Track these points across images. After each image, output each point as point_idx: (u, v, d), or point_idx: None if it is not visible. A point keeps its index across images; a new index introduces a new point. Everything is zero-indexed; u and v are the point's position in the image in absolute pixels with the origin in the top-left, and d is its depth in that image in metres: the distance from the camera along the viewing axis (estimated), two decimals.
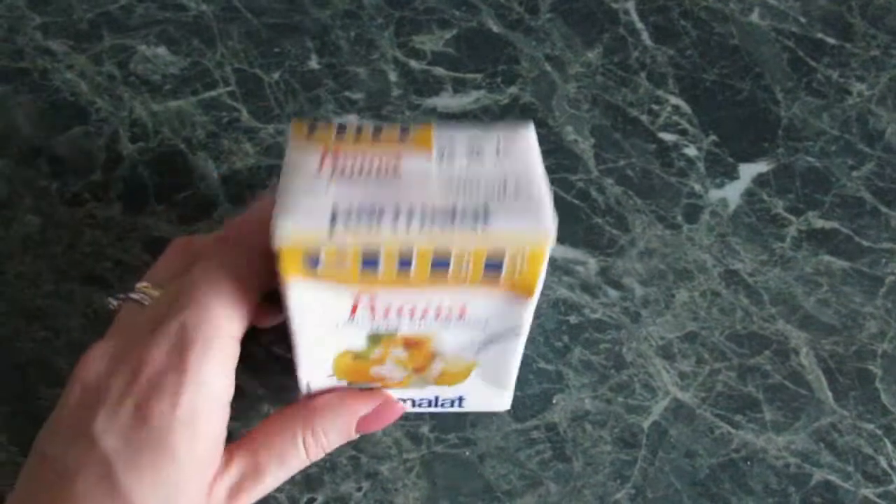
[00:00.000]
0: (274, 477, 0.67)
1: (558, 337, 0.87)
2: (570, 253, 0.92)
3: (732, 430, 0.84)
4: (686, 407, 0.85)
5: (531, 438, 0.83)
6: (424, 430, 0.83)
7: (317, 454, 0.69)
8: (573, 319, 0.88)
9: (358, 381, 0.69)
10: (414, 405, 0.73)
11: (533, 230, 0.52)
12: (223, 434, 0.65)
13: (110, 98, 0.97)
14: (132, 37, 1.00)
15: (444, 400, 0.72)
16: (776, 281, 0.92)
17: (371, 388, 0.71)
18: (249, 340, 0.83)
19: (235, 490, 0.65)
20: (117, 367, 0.62)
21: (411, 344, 0.64)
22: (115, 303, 0.72)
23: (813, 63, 1.05)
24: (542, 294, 0.89)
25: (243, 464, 0.66)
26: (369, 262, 0.51)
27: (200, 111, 0.96)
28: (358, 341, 0.61)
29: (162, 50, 1.00)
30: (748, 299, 0.91)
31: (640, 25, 1.06)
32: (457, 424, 0.83)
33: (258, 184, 0.93)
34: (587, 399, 0.85)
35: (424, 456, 0.81)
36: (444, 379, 0.70)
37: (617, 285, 0.90)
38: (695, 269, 0.92)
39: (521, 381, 0.84)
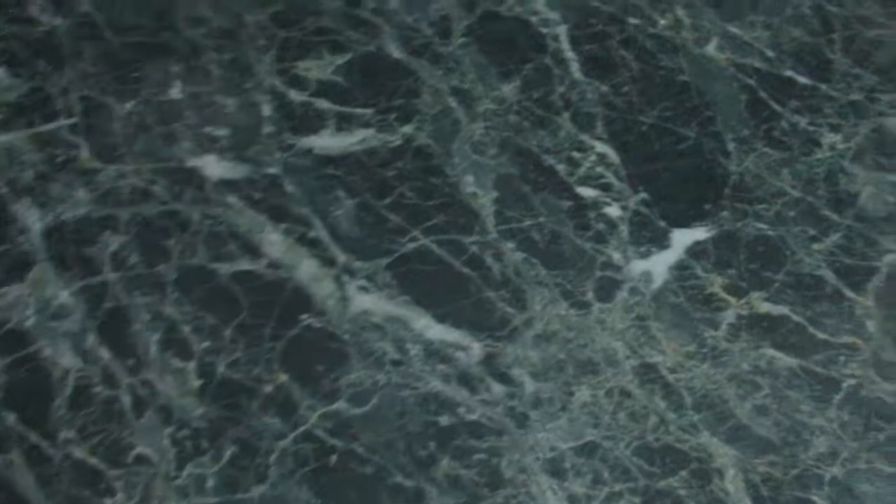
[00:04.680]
0: None
1: (423, 443, 0.71)
2: (450, 334, 0.76)
3: None
4: None
5: None
6: None
7: None
8: (444, 421, 0.72)
9: None
10: None
11: None
12: None
13: None
14: None
15: None
16: (703, 380, 0.74)
17: None
18: (45, 440, 0.69)
19: None
20: None
21: None
22: None
23: (777, 107, 0.87)
24: (408, 388, 0.74)
25: None
26: None
27: (33, 147, 0.82)
28: None
29: (1, 72, 0.86)
30: (666, 402, 0.73)
31: (570, 55, 0.89)
32: None
33: (87, 240, 0.78)
34: None
35: None
36: None
37: (503, 378, 0.74)
38: (602, 361, 0.75)
39: (371, 501, 0.69)
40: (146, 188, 0.81)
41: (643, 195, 0.82)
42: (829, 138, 0.85)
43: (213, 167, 0.82)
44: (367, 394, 0.73)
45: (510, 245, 0.80)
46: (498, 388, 0.73)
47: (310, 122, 0.85)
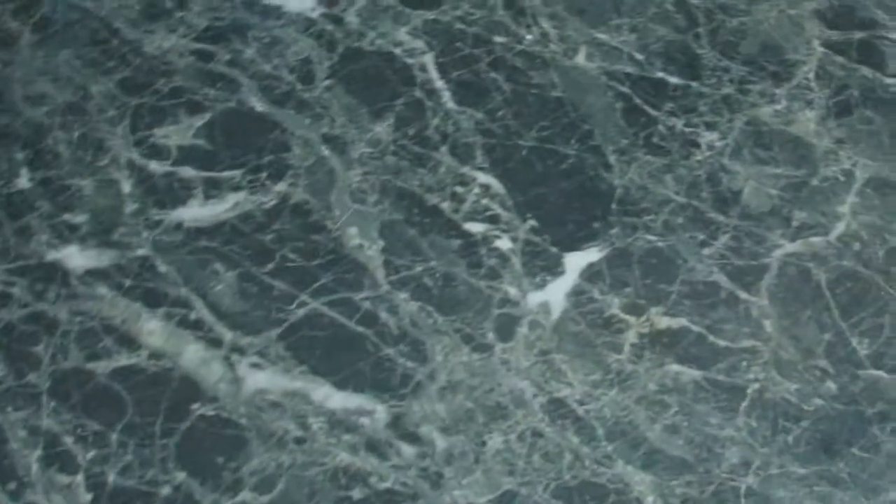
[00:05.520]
0: None
1: None
2: (352, 400, 0.73)
3: None
4: None
5: None
6: None
7: None
8: (357, 494, 0.70)
9: None
10: None
11: None
12: None
13: None
14: None
15: None
16: (613, 407, 0.74)
17: None
18: None
19: None
20: None
21: None
22: None
23: (653, 112, 0.86)
24: (315, 465, 0.70)
25: None
26: None
27: None
28: None
29: None
30: (578, 437, 0.72)
31: (440, 84, 0.86)
32: None
33: None
34: None
35: None
36: None
37: (412, 438, 0.72)
38: (511, 404, 0.73)
39: None
40: (4, 291, 0.75)
41: (532, 222, 0.80)
42: (706, 137, 0.85)
43: (76, 258, 0.76)
44: (273, 478, 0.70)
45: (403, 295, 0.77)
46: (408, 451, 0.71)
47: (175, 193, 0.80)
